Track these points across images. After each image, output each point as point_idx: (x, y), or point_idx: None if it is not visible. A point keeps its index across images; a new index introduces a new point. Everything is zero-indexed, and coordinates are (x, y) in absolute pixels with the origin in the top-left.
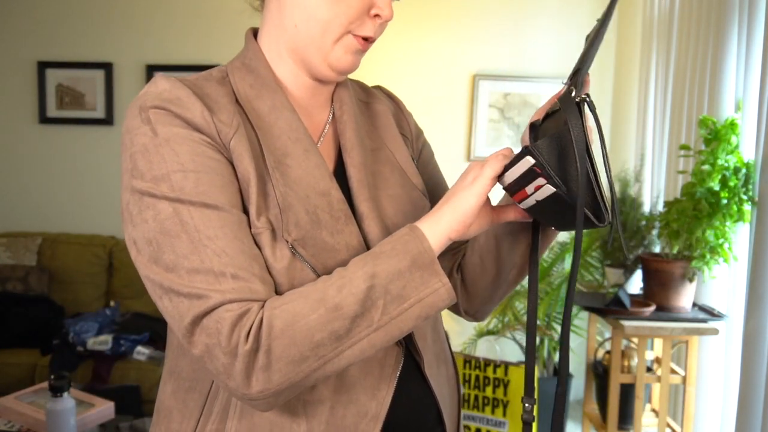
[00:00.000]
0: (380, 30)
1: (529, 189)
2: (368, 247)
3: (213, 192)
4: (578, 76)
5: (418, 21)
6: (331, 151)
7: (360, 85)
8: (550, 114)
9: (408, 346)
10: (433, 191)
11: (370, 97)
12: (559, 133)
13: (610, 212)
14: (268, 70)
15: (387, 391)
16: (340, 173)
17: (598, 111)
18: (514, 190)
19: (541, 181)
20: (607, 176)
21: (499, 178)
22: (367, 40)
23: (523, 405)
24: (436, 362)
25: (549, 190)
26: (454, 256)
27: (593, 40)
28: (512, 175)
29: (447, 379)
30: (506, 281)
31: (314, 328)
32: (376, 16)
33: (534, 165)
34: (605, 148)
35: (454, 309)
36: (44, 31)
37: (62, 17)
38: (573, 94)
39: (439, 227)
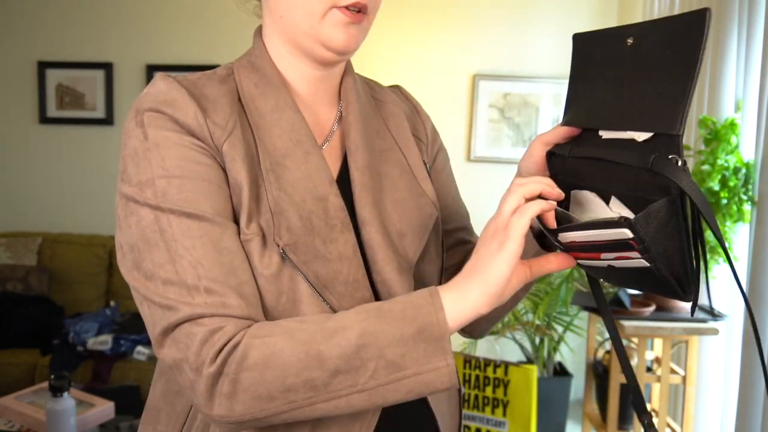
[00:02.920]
0: None
1: (607, 255)
2: (366, 255)
3: (197, 199)
4: (679, 146)
5: (419, 21)
6: (339, 153)
7: (375, 84)
8: (569, 146)
9: None
10: (443, 201)
11: (384, 96)
12: (661, 204)
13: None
14: (273, 68)
15: (373, 414)
16: (347, 176)
17: None
18: (580, 249)
19: (633, 254)
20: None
21: (552, 231)
22: (360, 11)
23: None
24: None
25: (639, 263)
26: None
27: (684, 96)
28: (585, 237)
29: (448, 396)
30: (504, 306)
31: (289, 370)
32: None
33: (631, 239)
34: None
35: None
36: (44, 31)
37: (62, 17)
38: (680, 163)
39: (466, 302)
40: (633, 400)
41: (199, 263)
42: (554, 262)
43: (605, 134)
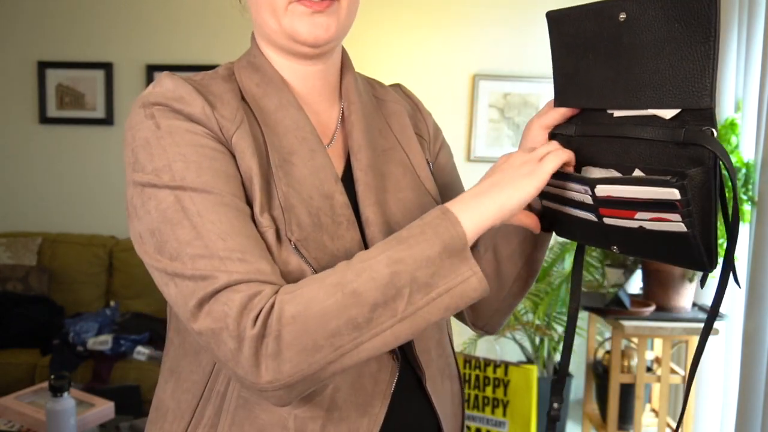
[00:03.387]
0: None
1: (642, 215)
2: None
3: (215, 181)
4: (714, 117)
5: (419, 21)
6: (342, 152)
7: (377, 83)
8: (575, 124)
9: (409, 360)
10: (447, 197)
11: (386, 95)
12: (700, 171)
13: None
14: (272, 68)
15: (380, 408)
16: (351, 175)
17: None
18: (614, 206)
19: (673, 216)
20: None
21: (593, 187)
22: None
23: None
24: (441, 378)
25: (678, 226)
26: None
27: (707, 67)
28: (624, 193)
29: (451, 396)
30: (512, 293)
31: (329, 314)
32: None
33: (678, 200)
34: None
35: (463, 321)
36: (44, 31)
37: (62, 17)
38: (714, 135)
39: (480, 212)
40: (555, 380)
41: (228, 235)
42: (531, 222)
43: (618, 112)
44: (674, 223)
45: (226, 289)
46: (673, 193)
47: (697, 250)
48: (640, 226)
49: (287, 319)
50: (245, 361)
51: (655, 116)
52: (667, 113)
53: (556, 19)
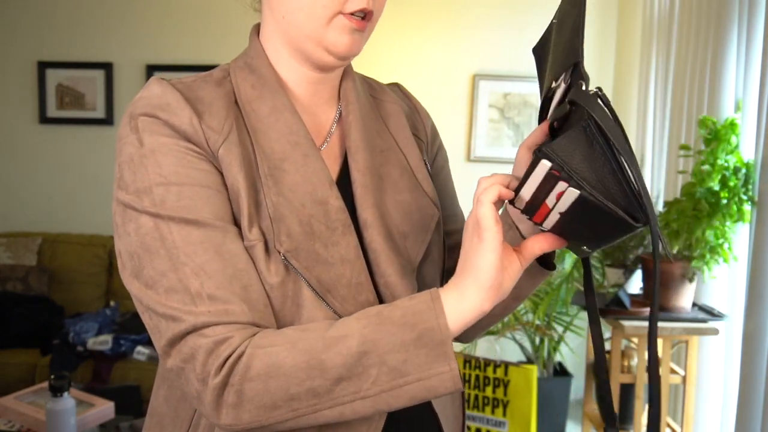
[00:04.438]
0: (377, 2)
1: (550, 200)
2: (368, 257)
3: (196, 206)
4: (581, 69)
5: (419, 21)
6: (338, 154)
7: (374, 83)
8: (557, 127)
9: None
10: (441, 202)
11: (383, 95)
12: (576, 130)
13: (645, 210)
14: (270, 69)
15: (380, 416)
16: (347, 177)
17: None
18: (535, 207)
19: (562, 185)
20: (634, 172)
21: (513, 201)
22: (365, 17)
23: None
24: None
25: (573, 193)
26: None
27: (578, 28)
28: (528, 189)
29: (451, 396)
30: (491, 315)
31: (292, 381)
32: None
33: (552, 168)
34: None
35: None
36: (44, 31)
37: (62, 17)
38: (584, 87)
39: (466, 302)
40: (604, 410)
41: (202, 270)
42: (544, 242)
43: (553, 104)
44: (569, 192)
45: (193, 333)
46: (544, 165)
47: (608, 209)
48: (559, 214)
49: (252, 375)
50: (207, 404)
51: (562, 89)
52: (562, 83)
53: (536, 50)
